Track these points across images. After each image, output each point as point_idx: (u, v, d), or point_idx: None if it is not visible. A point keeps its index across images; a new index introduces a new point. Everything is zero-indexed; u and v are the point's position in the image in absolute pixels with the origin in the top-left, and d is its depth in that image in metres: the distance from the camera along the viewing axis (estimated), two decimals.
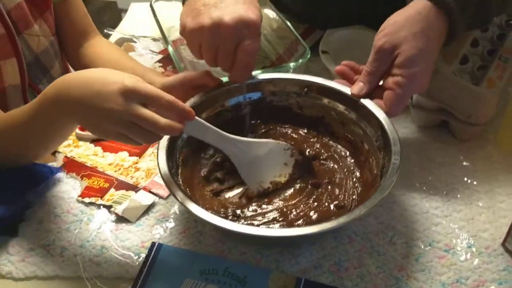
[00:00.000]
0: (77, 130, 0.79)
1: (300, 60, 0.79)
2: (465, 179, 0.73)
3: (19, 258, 0.64)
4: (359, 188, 0.69)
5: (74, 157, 0.77)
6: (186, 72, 0.75)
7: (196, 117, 0.62)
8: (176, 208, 0.70)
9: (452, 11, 0.65)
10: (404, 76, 0.65)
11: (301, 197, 0.68)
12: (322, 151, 0.74)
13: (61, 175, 0.74)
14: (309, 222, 0.64)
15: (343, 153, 0.74)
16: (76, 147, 0.79)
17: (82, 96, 0.58)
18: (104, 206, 0.70)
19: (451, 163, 0.75)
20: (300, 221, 0.65)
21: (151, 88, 0.58)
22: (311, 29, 1.00)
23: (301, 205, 0.67)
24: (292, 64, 0.77)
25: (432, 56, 0.66)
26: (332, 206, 0.66)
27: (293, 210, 0.66)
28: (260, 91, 0.74)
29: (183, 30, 0.68)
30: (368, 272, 0.62)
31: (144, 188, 0.72)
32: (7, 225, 0.67)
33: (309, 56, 0.80)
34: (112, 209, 0.69)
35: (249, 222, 0.65)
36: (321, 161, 0.73)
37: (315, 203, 0.67)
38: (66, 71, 0.94)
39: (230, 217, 0.65)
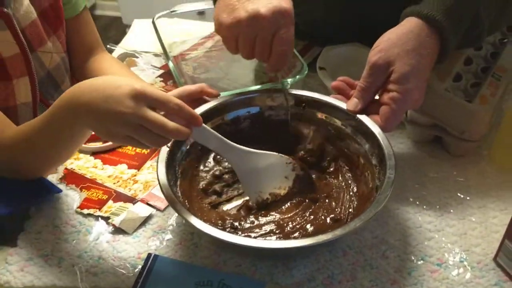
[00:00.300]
0: None
1: (298, 76, 0.81)
2: (459, 194, 0.74)
3: (17, 267, 0.65)
4: (355, 202, 0.69)
5: (74, 169, 0.78)
6: (186, 86, 0.76)
7: (203, 124, 0.63)
8: (172, 220, 0.71)
9: (444, 30, 0.67)
10: (398, 92, 0.67)
11: (298, 210, 0.69)
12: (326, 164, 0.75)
13: (61, 186, 0.75)
14: (305, 234, 0.65)
15: (342, 168, 0.75)
16: (76, 159, 0.80)
17: (93, 100, 0.59)
18: (102, 217, 0.71)
19: (445, 178, 0.76)
20: (296, 234, 0.65)
21: (160, 92, 0.60)
22: (310, 46, 1.01)
23: (298, 218, 0.68)
24: (289, 80, 0.79)
25: (425, 73, 0.68)
26: (328, 219, 0.67)
27: (290, 222, 0.67)
28: (258, 106, 0.76)
29: (220, 27, 0.70)
30: (361, 286, 0.63)
31: (142, 200, 0.73)
32: (7, 233, 0.68)
33: (306, 72, 0.81)
34: (110, 220, 0.70)
35: (246, 234, 0.65)
36: (325, 175, 0.74)
37: (312, 216, 0.68)
38: None
39: (228, 229, 0.66)
